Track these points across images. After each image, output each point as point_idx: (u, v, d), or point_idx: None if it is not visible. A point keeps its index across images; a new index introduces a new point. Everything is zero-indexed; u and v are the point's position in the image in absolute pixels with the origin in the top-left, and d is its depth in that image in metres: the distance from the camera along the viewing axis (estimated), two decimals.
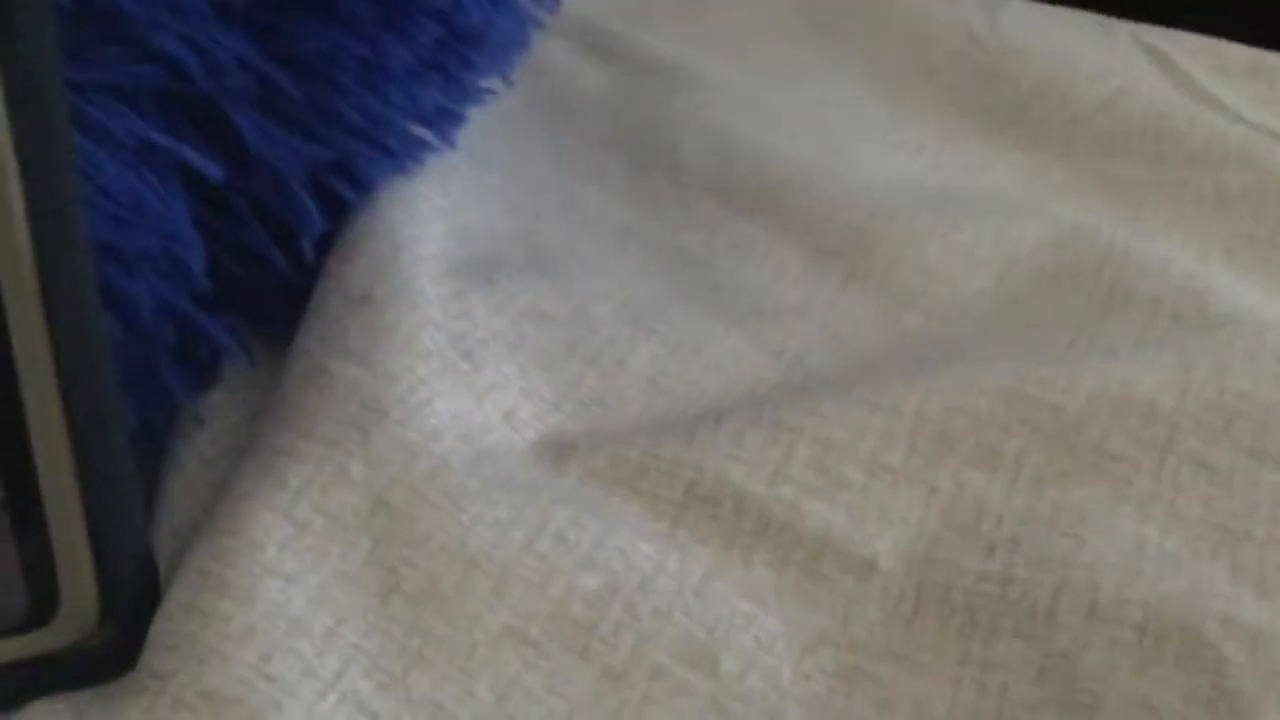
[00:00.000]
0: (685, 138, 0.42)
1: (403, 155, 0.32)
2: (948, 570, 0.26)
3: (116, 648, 0.24)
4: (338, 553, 0.24)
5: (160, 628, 0.24)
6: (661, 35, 0.48)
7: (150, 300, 0.28)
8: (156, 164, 0.28)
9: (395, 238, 0.30)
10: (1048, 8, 0.52)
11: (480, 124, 0.36)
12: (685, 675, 0.24)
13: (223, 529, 0.25)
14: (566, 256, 0.34)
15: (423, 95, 0.31)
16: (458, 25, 0.31)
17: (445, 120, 0.33)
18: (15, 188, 0.22)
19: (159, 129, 0.27)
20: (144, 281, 0.27)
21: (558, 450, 0.28)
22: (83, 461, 0.23)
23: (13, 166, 0.22)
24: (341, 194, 0.31)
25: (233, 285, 0.29)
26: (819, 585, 0.26)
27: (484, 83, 0.34)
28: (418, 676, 0.23)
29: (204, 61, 0.27)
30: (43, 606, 0.24)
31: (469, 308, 0.30)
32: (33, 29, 0.21)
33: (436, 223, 0.32)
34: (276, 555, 0.24)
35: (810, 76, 0.48)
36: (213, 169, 0.28)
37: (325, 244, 0.31)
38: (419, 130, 0.32)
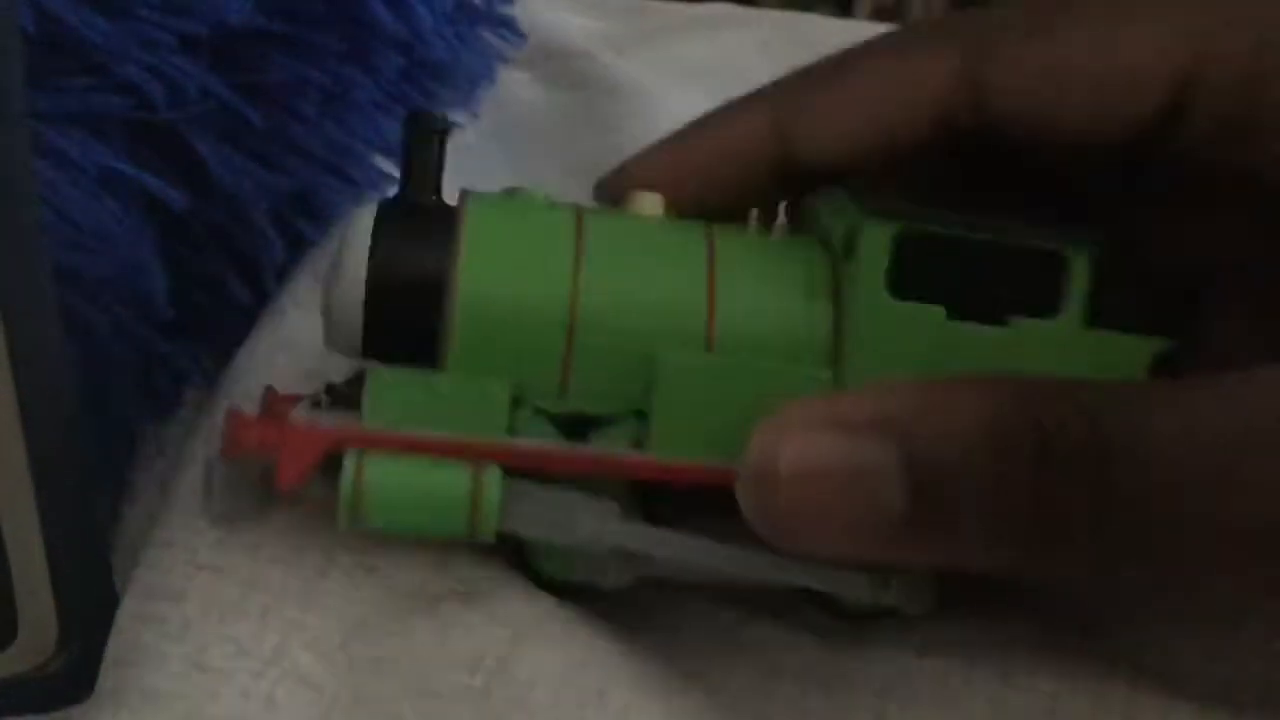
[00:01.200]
0: None
1: (364, 184, 0.32)
2: None
3: (76, 672, 0.24)
4: (270, 542, 0.25)
5: (112, 642, 0.24)
6: (623, 61, 0.49)
7: (111, 326, 0.28)
8: (119, 192, 0.28)
9: None
10: None
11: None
12: None
13: (159, 540, 0.25)
14: None
15: (386, 126, 0.32)
16: (421, 57, 0.32)
17: (397, 150, 0.33)
18: None
19: (122, 157, 0.27)
20: (105, 308, 0.27)
21: None
22: (41, 489, 0.23)
23: None
24: (301, 225, 0.31)
25: (195, 313, 0.30)
26: None
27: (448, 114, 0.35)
28: (359, 644, 0.24)
29: (168, 91, 0.27)
30: (1, 632, 0.24)
31: None
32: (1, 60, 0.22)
33: None
34: (209, 554, 0.24)
35: None
36: (175, 197, 0.28)
37: (285, 274, 0.31)
38: (381, 161, 0.33)
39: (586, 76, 0.48)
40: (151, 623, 0.24)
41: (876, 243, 0.24)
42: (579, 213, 0.25)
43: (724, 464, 0.23)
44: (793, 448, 0.22)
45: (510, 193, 0.25)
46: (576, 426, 0.24)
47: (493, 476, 0.23)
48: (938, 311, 0.24)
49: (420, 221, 0.24)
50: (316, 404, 0.24)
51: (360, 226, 0.24)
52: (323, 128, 0.30)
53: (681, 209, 0.26)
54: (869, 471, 0.22)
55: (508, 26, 0.38)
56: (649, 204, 0.25)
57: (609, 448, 0.24)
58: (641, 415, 0.24)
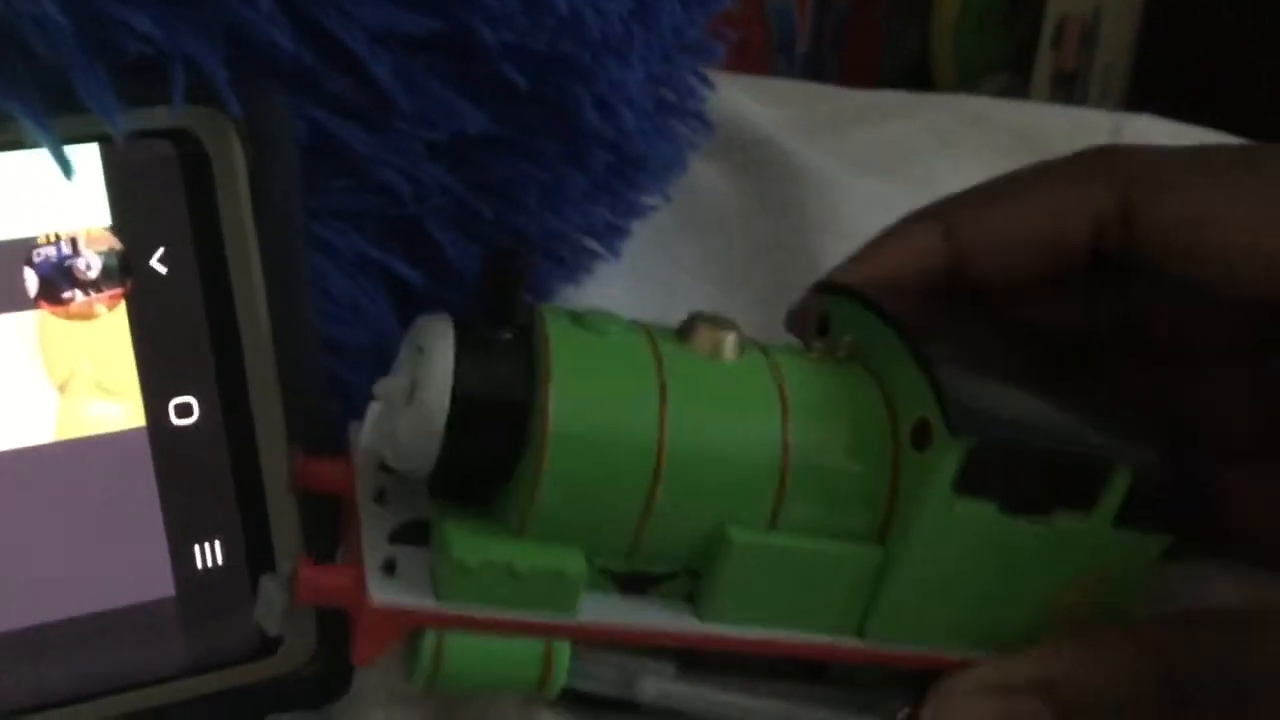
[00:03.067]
0: (826, 243, 0.46)
1: (575, 266, 0.36)
2: None
3: (333, 671, 0.29)
4: None
5: None
6: (800, 148, 0.53)
7: (362, 389, 0.33)
8: (370, 273, 0.33)
9: None
10: (1174, 125, 0.55)
11: (639, 236, 0.41)
12: None
13: None
14: None
15: (593, 213, 0.36)
16: (625, 152, 0.36)
17: (612, 234, 0.38)
18: (261, 293, 0.27)
19: (373, 244, 0.32)
20: (360, 372, 0.32)
21: None
22: (305, 516, 0.28)
23: (259, 278, 0.27)
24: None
25: None
26: None
27: (645, 199, 0.39)
28: None
29: (414, 189, 0.32)
30: (270, 639, 0.28)
31: None
32: (283, 168, 0.27)
33: None
34: None
35: (939, 181, 0.52)
36: (415, 277, 0.33)
37: None
38: (589, 243, 0.37)
39: (767, 163, 0.51)
40: None
41: (950, 453, 0.25)
42: (656, 349, 0.25)
43: (778, 635, 0.25)
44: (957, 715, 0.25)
45: (580, 316, 0.25)
46: (634, 580, 0.25)
47: (563, 649, 0.24)
48: (992, 508, 0.26)
49: (501, 350, 0.24)
50: (380, 498, 0.25)
51: (440, 352, 0.23)
52: (541, 217, 0.34)
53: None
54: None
55: (698, 119, 0.42)
56: (728, 345, 0.26)
57: (668, 609, 0.25)
58: (693, 571, 0.25)
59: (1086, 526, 0.26)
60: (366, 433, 0.24)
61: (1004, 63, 1.36)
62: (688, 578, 0.25)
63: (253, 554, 0.28)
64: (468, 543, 0.23)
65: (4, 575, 0.26)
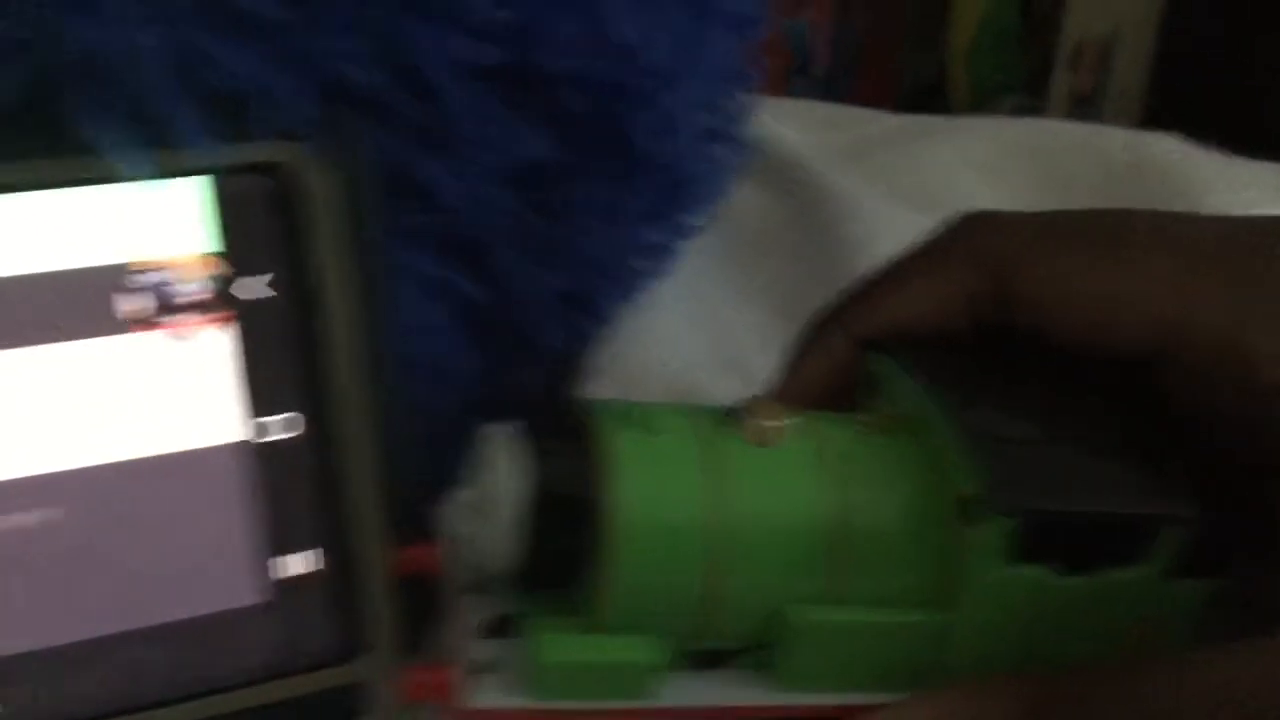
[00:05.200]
0: (862, 263, 0.47)
1: (629, 286, 0.38)
2: None
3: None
4: None
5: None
6: (832, 171, 0.54)
7: (427, 401, 0.34)
8: (433, 291, 0.34)
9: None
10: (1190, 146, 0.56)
11: (685, 259, 0.42)
12: None
13: None
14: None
15: (645, 234, 0.38)
16: (676, 174, 0.37)
17: (662, 255, 0.39)
18: (353, 316, 0.29)
19: (436, 263, 0.34)
20: (426, 384, 0.33)
21: None
22: (387, 530, 0.29)
23: (351, 302, 0.28)
24: (577, 319, 0.37)
25: (494, 390, 0.36)
26: None
27: (693, 221, 0.40)
28: None
29: (478, 211, 0.33)
30: (354, 644, 0.30)
31: None
32: (369, 197, 0.28)
33: (653, 348, 0.39)
34: None
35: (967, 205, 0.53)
36: (479, 295, 0.34)
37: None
38: (642, 264, 0.38)
39: (802, 185, 0.53)
40: None
41: (997, 527, 0.26)
42: (707, 440, 0.26)
43: (851, 698, 0.27)
44: None
45: (632, 411, 0.27)
46: (709, 656, 0.27)
47: None
48: (1044, 571, 0.27)
49: (562, 455, 0.25)
50: (466, 587, 0.27)
51: (505, 464, 0.25)
52: (597, 237, 0.36)
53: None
54: None
55: (740, 142, 0.43)
56: (771, 415, 0.27)
57: (744, 682, 0.27)
58: (763, 644, 0.27)
59: (1138, 578, 0.27)
60: (450, 528, 0.27)
61: (1019, 84, 1.38)
62: (758, 652, 0.27)
63: (338, 564, 0.29)
64: (554, 643, 0.26)
65: (104, 582, 0.27)
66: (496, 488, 0.25)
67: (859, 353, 0.31)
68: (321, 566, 0.29)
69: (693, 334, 0.42)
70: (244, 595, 0.29)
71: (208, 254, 0.27)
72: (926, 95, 1.32)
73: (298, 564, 0.29)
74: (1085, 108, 1.31)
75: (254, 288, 0.28)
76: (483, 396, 0.35)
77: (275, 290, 0.28)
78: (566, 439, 0.26)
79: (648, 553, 0.25)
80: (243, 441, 0.28)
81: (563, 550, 0.25)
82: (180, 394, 0.28)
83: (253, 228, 0.28)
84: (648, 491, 0.25)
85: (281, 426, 0.28)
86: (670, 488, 0.25)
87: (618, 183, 0.35)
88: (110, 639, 0.28)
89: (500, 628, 0.27)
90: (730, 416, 0.27)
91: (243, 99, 0.26)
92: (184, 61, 0.25)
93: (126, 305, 0.27)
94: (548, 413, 0.26)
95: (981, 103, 1.31)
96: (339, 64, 0.27)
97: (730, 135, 0.42)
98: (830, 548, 0.26)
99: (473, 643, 0.27)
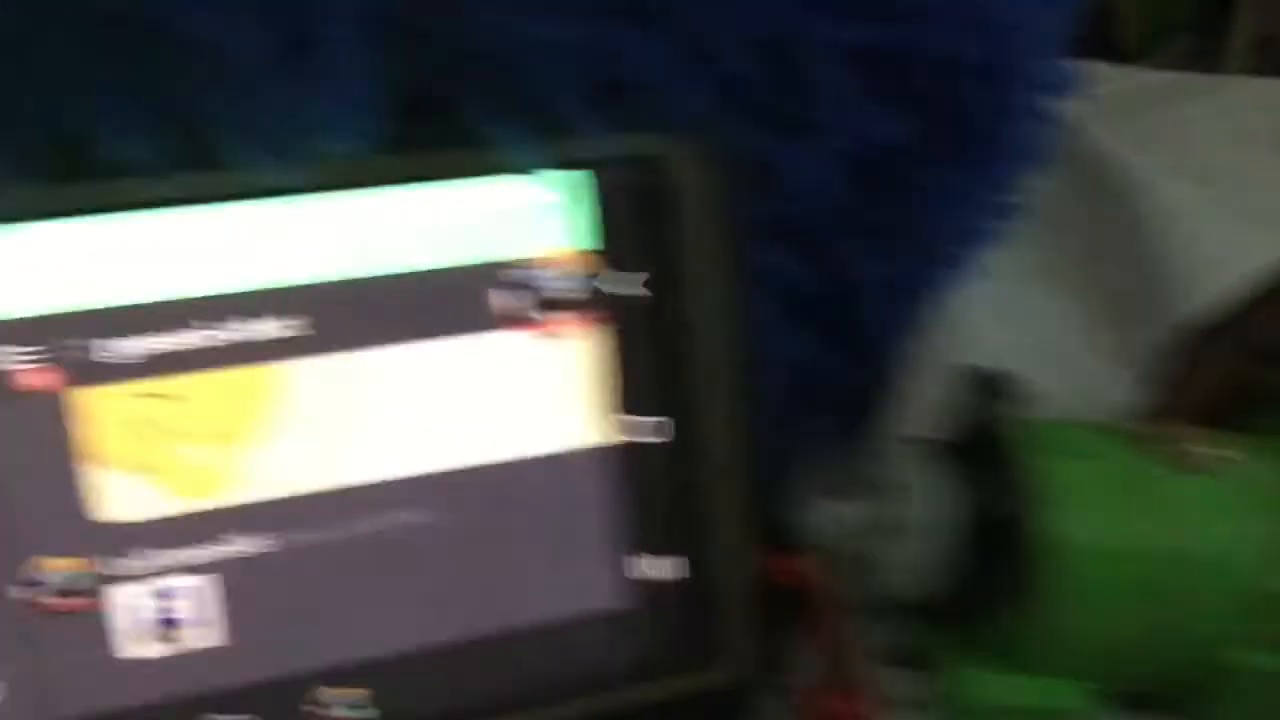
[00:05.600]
0: (1161, 245, 0.44)
1: (949, 271, 0.36)
2: None
3: (760, 687, 0.29)
4: None
5: None
6: (1101, 132, 0.51)
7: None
8: (766, 280, 0.33)
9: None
10: None
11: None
12: None
13: None
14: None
15: (972, 217, 0.36)
16: (1009, 155, 0.35)
17: (983, 239, 0.37)
18: (728, 317, 0.28)
19: (769, 250, 0.32)
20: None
21: None
22: (751, 538, 0.28)
23: (727, 303, 0.28)
24: (900, 307, 0.35)
25: (815, 379, 0.34)
26: None
27: (1012, 202, 0.38)
28: None
29: (818, 198, 0.32)
30: (711, 651, 0.29)
31: None
32: (737, 194, 0.27)
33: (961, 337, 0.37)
34: None
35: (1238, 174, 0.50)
36: (811, 282, 0.33)
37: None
38: (963, 249, 0.37)
39: (1076, 153, 0.50)
40: None
41: None
42: (1138, 463, 0.25)
43: None
44: None
45: (1052, 429, 0.26)
46: (1134, 700, 0.26)
47: None
48: None
49: (987, 477, 0.25)
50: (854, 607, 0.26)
51: (931, 484, 0.25)
52: (928, 221, 0.34)
53: None
54: None
55: (1048, 118, 0.41)
56: (1197, 441, 0.26)
57: None
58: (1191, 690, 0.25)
59: None
60: (840, 545, 0.26)
61: (1190, 24, 1.30)
62: (1184, 695, 0.26)
63: (699, 570, 0.28)
64: (977, 682, 0.25)
65: (469, 583, 0.27)
66: (917, 510, 0.24)
67: (1254, 366, 0.29)
68: (684, 572, 0.28)
69: (998, 321, 0.40)
70: (605, 598, 0.28)
71: (584, 251, 0.27)
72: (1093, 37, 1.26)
73: (659, 569, 0.28)
74: (1271, 51, 1.23)
75: (629, 286, 0.27)
76: (803, 390, 0.34)
77: (650, 289, 0.27)
78: (992, 461, 0.24)
79: (1085, 587, 0.24)
80: (613, 444, 0.27)
81: (992, 582, 0.24)
82: (549, 393, 0.27)
83: (629, 225, 0.27)
84: (1086, 521, 0.24)
85: (650, 430, 0.27)
86: (1107, 518, 0.24)
87: (955, 164, 0.34)
88: (474, 641, 0.27)
89: (904, 658, 0.26)
90: (1149, 438, 0.25)
91: (641, 92, 0.25)
92: (591, 55, 0.24)
93: (500, 302, 0.26)
94: (962, 431, 0.24)
95: (1151, 46, 1.25)
96: (734, 57, 0.26)
97: (1051, 111, 0.40)
98: (1266, 586, 0.24)
99: (880, 672, 0.26)
